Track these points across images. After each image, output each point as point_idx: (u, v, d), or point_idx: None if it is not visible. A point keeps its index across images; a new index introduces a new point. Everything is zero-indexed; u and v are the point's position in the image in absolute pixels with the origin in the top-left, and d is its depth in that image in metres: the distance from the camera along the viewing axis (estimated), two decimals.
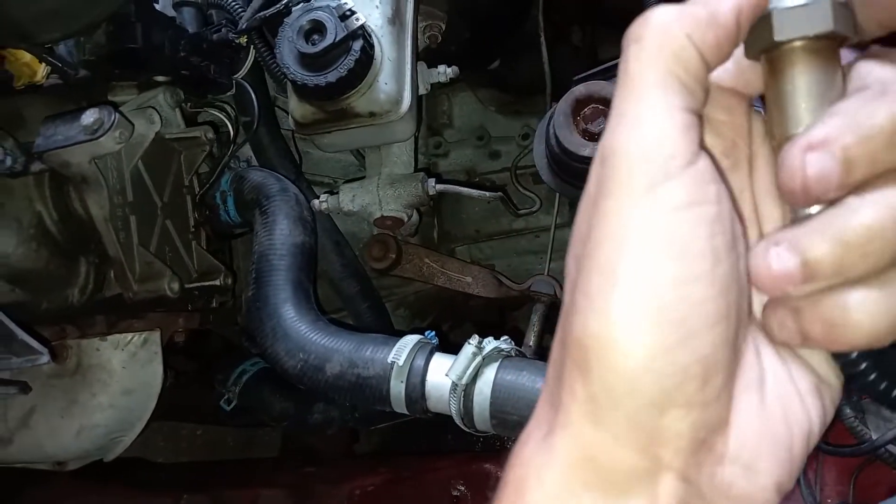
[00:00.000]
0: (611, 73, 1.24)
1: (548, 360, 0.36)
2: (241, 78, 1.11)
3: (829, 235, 0.28)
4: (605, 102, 1.10)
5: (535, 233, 1.46)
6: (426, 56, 1.20)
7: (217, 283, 1.04)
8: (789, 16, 0.31)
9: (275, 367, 0.97)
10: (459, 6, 1.19)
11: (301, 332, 0.95)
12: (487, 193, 1.10)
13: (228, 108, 1.08)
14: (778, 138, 0.32)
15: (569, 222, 1.42)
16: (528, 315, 1.34)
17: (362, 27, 0.88)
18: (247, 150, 1.21)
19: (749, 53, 0.33)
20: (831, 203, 0.29)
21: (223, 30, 0.96)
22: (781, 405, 0.32)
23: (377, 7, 0.94)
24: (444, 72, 1.12)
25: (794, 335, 0.30)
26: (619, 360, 0.29)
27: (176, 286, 0.96)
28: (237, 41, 0.96)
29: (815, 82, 0.31)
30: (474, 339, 0.87)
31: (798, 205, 0.30)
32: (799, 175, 0.28)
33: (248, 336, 1.26)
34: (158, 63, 0.97)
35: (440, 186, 1.07)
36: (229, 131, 1.06)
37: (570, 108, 1.10)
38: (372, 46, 0.90)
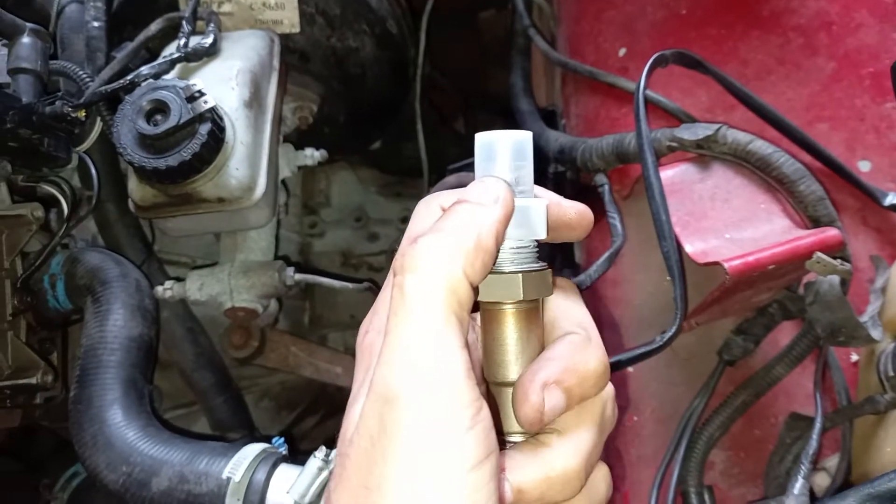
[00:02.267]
0: None
1: None
2: (87, 150, 1.01)
3: (537, 473, 0.35)
4: None
5: None
6: (297, 137, 1.15)
7: (33, 380, 0.91)
8: (493, 282, 0.38)
9: (94, 480, 0.85)
10: (333, 89, 1.15)
11: (127, 440, 0.84)
12: (351, 285, 1.04)
13: (64, 184, 0.98)
14: (490, 381, 0.39)
15: None
16: None
17: (212, 110, 0.82)
18: (93, 227, 1.10)
19: None
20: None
21: (58, 102, 0.87)
22: None
23: (233, 89, 0.89)
24: (312, 155, 1.07)
25: None
26: None
27: None
28: (74, 115, 0.87)
29: (518, 338, 0.38)
30: (321, 452, 0.80)
31: (531, 430, 0.36)
32: (538, 408, 0.34)
33: None
34: None
35: (300, 276, 1.00)
36: (64, 208, 0.96)
37: None
38: (222, 130, 0.84)
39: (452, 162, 1.25)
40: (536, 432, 0.37)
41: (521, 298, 0.38)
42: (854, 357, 0.85)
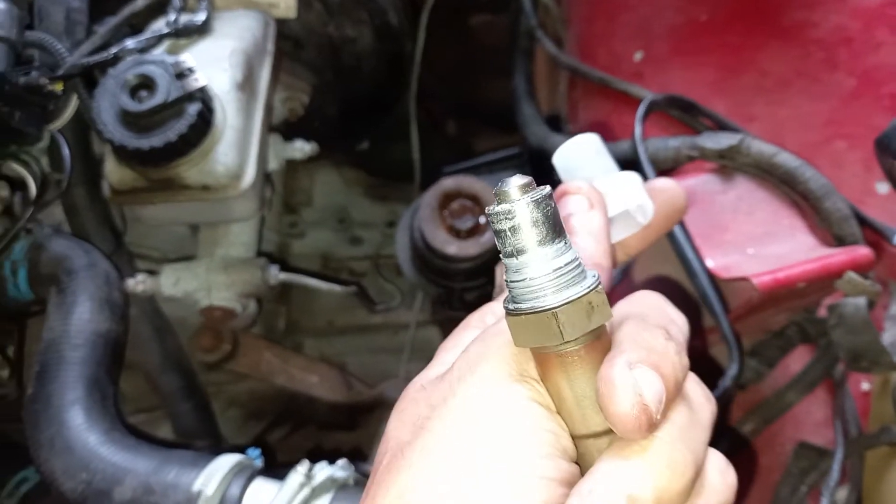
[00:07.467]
0: (482, 169, 1.19)
1: None
2: (59, 129, 0.94)
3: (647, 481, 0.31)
4: (474, 198, 1.04)
5: (393, 329, 1.34)
6: (284, 129, 1.09)
7: None
8: (521, 324, 0.30)
9: (50, 487, 0.77)
10: (325, 81, 1.10)
11: (87, 445, 0.76)
12: (338, 287, 0.98)
13: (33, 163, 0.90)
14: (576, 436, 0.32)
15: (430, 320, 1.32)
16: (381, 419, 1.21)
17: (202, 89, 0.76)
18: (60, 214, 1.02)
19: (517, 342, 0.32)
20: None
21: (34, 73, 0.80)
22: None
23: (225, 70, 0.82)
24: (302, 148, 1.01)
25: None
26: None
27: None
28: (50, 88, 0.80)
29: (581, 386, 0.31)
30: (303, 466, 0.73)
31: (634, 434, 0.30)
32: (634, 399, 0.29)
33: None
34: None
35: (284, 276, 0.94)
36: (31, 190, 0.88)
37: (437, 201, 1.02)
38: (211, 111, 0.78)
39: (444, 165, 1.20)
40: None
41: (563, 339, 0.30)
42: (865, 385, 0.82)
